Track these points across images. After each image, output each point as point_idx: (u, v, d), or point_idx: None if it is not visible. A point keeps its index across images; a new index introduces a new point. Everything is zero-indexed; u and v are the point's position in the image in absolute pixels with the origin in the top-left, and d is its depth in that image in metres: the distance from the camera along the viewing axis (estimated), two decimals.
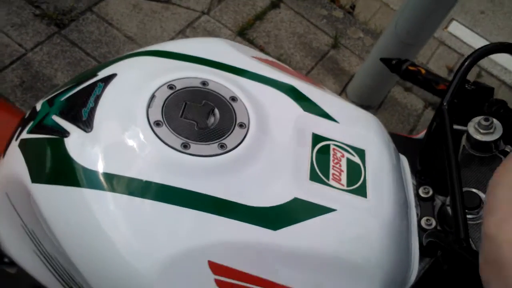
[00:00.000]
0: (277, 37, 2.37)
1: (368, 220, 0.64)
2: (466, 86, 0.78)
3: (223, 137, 0.63)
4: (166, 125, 0.62)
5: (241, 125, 0.64)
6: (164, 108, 0.63)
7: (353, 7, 2.73)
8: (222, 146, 0.62)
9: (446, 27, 3.02)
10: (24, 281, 0.76)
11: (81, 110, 0.63)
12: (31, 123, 0.67)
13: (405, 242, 0.68)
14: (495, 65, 2.79)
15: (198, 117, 0.64)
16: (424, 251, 0.69)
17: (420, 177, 0.77)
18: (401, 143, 0.81)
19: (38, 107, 0.70)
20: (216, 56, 0.73)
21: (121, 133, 0.61)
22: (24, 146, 0.65)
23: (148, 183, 0.58)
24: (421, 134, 0.88)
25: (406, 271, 0.67)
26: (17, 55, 1.89)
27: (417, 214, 0.73)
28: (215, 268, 0.56)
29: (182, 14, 2.28)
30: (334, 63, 2.38)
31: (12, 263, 0.74)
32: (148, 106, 0.63)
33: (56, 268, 0.66)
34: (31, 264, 0.70)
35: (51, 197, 0.59)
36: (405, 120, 2.35)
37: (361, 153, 0.70)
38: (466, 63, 0.75)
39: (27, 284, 0.77)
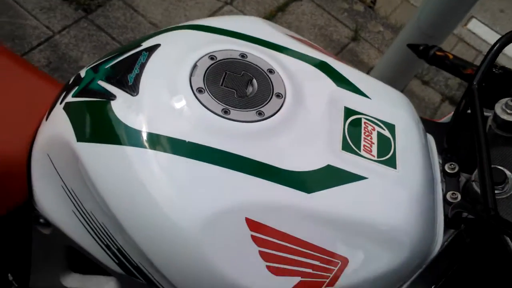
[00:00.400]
0: (298, 28, 2.40)
1: (397, 190, 0.66)
2: (494, 70, 0.81)
3: (261, 106, 0.66)
4: (207, 92, 0.65)
5: (278, 95, 0.67)
6: (205, 76, 0.66)
7: (374, 1, 2.74)
8: (260, 113, 0.65)
9: (466, 24, 3.01)
10: (58, 241, 0.79)
11: (127, 76, 0.67)
12: (76, 88, 0.71)
13: (431, 214, 0.71)
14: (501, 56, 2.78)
15: (238, 86, 0.67)
16: (448, 223, 0.72)
17: (447, 155, 0.79)
18: (426, 126, 0.83)
19: (82, 74, 0.74)
20: (254, 32, 0.76)
21: (165, 97, 0.64)
22: (70, 108, 0.69)
23: (190, 144, 0.61)
24: (445, 119, 0.91)
25: (431, 241, 0.70)
26: (44, 37, 1.94)
27: (443, 190, 0.75)
28: (252, 225, 0.59)
29: (205, 3, 2.31)
30: (353, 55, 2.40)
31: (47, 224, 0.77)
32: (191, 74, 0.66)
33: (93, 225, 0.70)
34: (67, 223, 0.73)
35: (97, 155, 0.63)
36: (422, 113, 2.36)
37: (391, 127, 0.72)
38: (496, 46, 0.77)
39: (61, 245, 0.80)
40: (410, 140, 0.73)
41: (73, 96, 0.70)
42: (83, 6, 2.06)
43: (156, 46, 0.70)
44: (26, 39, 1.92)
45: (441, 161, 0.79)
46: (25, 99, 0.80)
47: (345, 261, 0.62)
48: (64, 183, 0.70)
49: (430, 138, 0.82)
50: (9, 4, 1.98)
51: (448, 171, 0.76)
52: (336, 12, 2.55)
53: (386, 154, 0.69)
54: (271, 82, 0.68)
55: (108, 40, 2.01)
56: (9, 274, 0.98)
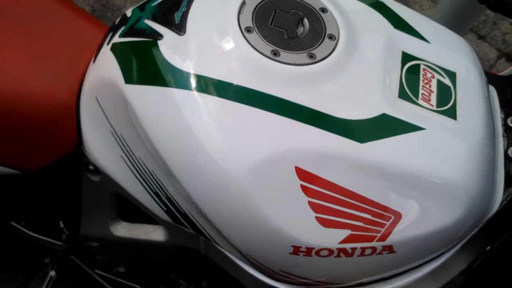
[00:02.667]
0: None
1: (456, 142, 0.62)
2: None
3: (313, 47, 0.62)
4: (256, 32, 0.62)
5: (331, 37, 0.63)
6: (254, 15, 0.63)
7: None
8: (311, 56, 0.61)
9: None
10: (107, 188, 0.80)
11: (173, 14, 0.64)
12: (122, 28, 0.69)
13: (491, 169, 0.66)
14: None
15: (288, 25, 0.63)
16: (509, 181, 0.67)
17: (510, 108, 0.74)
18: (487, 78, 0.78)
19: (129, 13, 0.72)
20: None
21: (213, 37, 0.62)
22: (117, 49, 0.67)
23: (237, 87, 0.59)
24: (507, 71, 0.84)
25: (489, 199, 0.66)
26: None
27: (504, 145, 0.70)
28: (302, 174, 0.57)
29: None
30: (405, 5, 2.27)
31: (96, 171, 0.78)
32: (239, 12, 0.63)
33: (142, 172, 0.69)
34: (117, 169, 0.73)
35: (145, 97, 0.61)
36: None
37: (452, 75, 0.67)
38: None
39: (109, 191, 0.81)
40: (472, 90, 0.68)
41: (120, 36, 0.68)
42: None
43: None
44: None
45: (503, 115, 0.74)
46: (74, 42, 0.79)
47: (398, 216, 0.60)
48: (112, 127, 0.69)
49: (492, 90, 0.77)
50: None
51: (511, 125, 0.71)
52: None
53: (445, 104, 0.64)
54: (324, 22, 0.64)
55: None
56: (60, 222, 1.01)
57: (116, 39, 0.68)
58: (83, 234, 0.93)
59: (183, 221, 0.70)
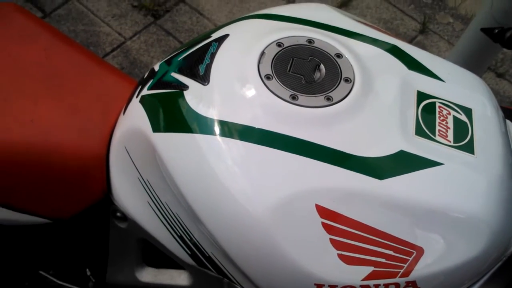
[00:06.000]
0: None
1: (476, 177, 0.63)
2: None
3: (329, 91, 0.65)
4: (275, 79, 0.65)
5: (347, 80, 0.66)
6: (273, 63, 0.66)
7: None
8: (328, 98, 0.64)
9: None
10: (134, 234, 0.82)
11: (198, 66, 0.68)
12: (151, 81, 0.73)
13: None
14: None
15: (305, 71, 0.66)
16: None
17: None
18: (505, 113, 0.79)
19: (156, 67, 0.76)
20: (320, 18, 0.75)
21: (235, 85, 0.65)
22: (145, 101, 0.71)
23: (259, 130, 0.61)
24: None
25: (511, 233, 0.65)
26: (117, 43, 2.03)
27: None
28: (322, 212, 0.58)
29: (267, 3, 2.32)
30: (422, 48, 2.30)
31: (123, 218, 0.80)
32: (259, 62, 0.66)
33: (167, 216, 0.71)
34: (143, 215, 0.76)
35: (171, 143, 0.65)
36: None
37: (468, 111, 0.69)
38: None
39: (136, 237, 0.83)
40: (488, 125, 0.69)
41: (148, 89, 0.72)
42: (152, 11, 2.13)
43: (225, 36, 0.71)
44: (100, 46, 2.02)
45: None
46: (104, 96, 0.83)
47: (420, 251, 0.60)
48: (140, 174, 0.72)
49: (510, 125, 0.77)
50: (84, 13, 2.09)
51: None
52: (402, 5, 2.47)
53: (463, 139, 0.65)
54: (339, 66, 0.67)
55: (176, 44, 2.07)
56: (87, 269, 1.03)
57: (145, 91, 0.73)
58: (110, 281, 0.95)
59: (207, 264, 0.71)
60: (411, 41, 2.34)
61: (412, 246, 0.60)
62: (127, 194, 0.77)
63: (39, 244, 0.97)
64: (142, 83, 0.76)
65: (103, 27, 2.07)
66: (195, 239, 0.69)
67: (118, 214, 0.80)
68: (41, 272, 1.05)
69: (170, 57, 0.75)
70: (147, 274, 0.89)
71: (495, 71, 2.35)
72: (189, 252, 0.72)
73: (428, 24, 2.42)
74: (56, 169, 0.77)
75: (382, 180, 0.60)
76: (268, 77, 0.65)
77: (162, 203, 0.71)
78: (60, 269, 1.06)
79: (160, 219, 0.73)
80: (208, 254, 0.69)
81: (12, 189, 0.79)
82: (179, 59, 0.73)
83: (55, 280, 1.05)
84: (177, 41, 2.09)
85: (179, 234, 0.71)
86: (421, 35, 2.38)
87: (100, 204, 0.81)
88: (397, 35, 0.78)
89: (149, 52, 2.03)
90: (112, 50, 2.01)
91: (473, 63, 2.02)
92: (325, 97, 0.64)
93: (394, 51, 0.73)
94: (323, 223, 0.58)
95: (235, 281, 0.70)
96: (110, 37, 2.05)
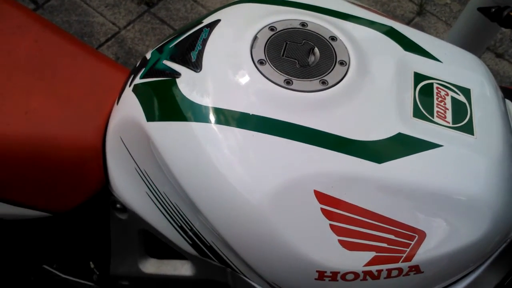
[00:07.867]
0: None
1: (476, 157, 0.62)
2: None
3: (324, 74, 0.64)
4: (269, 63, 0.64)
5: (342, 63, 0.65)
6: (266, 48, 0.65)
7: None
8: (323, 82, 0.63)
9: None
10: (135, 225, 0.82)
11: (190, 53, 0.67)
12: (143, 70, 0.72)
13: None
14: None
15: (299, 55, 0.65)
16: None
17: None
18: (504, 93, 0.78)
19: (148, 56, 0.75)
20: (314, 0, 0.74)
21: (228, 71, 0.64)
22: (138, 90, 0.70)
23: (254, 117, 0.60)
24: None
25: None
26: (111, 33, 2.01)
27: None
28: (321, 197, 0.58)
29: None
30: (420, 30, 2.29)
31: (123, 209, 0.79)
32: (252, 46, 0.65)
33: (167, 207, 0.71)
34: (143, 206, 0.75)
35: (166, 132, 0.64)
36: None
37: (466, 92, 0.68)
38: None
39: (137, 228, 0.83)
40: (487, 105, 0.68)
41: (141, 77, 0.71)
42: (145, 0, 2.11)
43: (217, 21, 0.70)
44: (94, 36, 2.00)
45: None
46: (97, 86, 0.82)
47: (422, 235, 0.59)
48: (137, 165, 0.71)
49: (510, 104, 0.76)
50: (77, 3, 2.07)
51: None
52: None
53: (462, 120, 0.65)
54: (334, 49, 0.66)
55: (171, 32, 2.05)
56: (91, 262, 1.02)
57: (137, 80, 0.71)
58: (113, 274, 0.94)
59: (209, 254, 0.71)
60: (408, 23, 2.32)
61: (414, 230, 0.59)
62: (126, 185, 0.76)
63: (41, 238, 0.97)
64: (135, 71, 0.74)
65: (97, 17, 2.04)
66: (196, 228, 0.69)
67: (118, 205, 0.79)
68: (45, 266, 1.05)
69: (162, 45, 0.74)
70: (150, 265, 0.89)
71: (494, 51, 2.33)
72: (190, 242, 0.72)
73: (425, 5, 2.40)
74: (53, 161, 0.76)
75: (381, 164, 0.59)
76: (261, 62, 0.64)
77: (160, 193, 0.70)
78: (64, 263, 1.06)
79: (160, 210, 0.72)
80: (209, 244, 0.69)
81: (9, 183, 0.78)
82: (170, 46, 0.71)
83: (59, 274, 1.06)
84: (172, 29, 2.07)
85: (179, 224, 0.71)
86: (419, 17, 2.36)
87: (99, 196, 0.80)
88: (394, 17, 0.76)
89: (144, 41, 2.01)
90: (107, 40, 1.99)
91: (472, 43, 2.01)
92: (320, 81, 0.63)
93: (390, 33, 0.71)
94: (322, 209, 0.58)
95: (238, 271, 0.70)
96: (104, 27, 2.03)
